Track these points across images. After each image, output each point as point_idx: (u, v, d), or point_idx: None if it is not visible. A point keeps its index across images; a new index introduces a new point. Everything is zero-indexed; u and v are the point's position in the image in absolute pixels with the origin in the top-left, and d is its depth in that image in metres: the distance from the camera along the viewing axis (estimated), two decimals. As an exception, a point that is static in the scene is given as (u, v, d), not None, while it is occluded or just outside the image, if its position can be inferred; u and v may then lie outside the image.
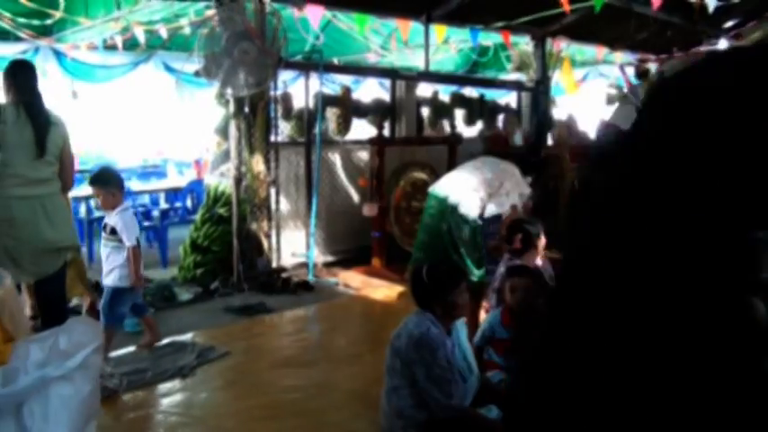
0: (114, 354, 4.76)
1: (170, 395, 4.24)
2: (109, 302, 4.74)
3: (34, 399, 2.23)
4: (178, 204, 9.52)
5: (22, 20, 8.45)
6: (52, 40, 9.56)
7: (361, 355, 4.89)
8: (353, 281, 7.01)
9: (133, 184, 8.85)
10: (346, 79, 11.18)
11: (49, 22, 8.80)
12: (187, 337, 5.28)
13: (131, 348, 4.99)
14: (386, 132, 8.07)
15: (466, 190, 5.00)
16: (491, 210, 5.04)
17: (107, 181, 4.78)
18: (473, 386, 3.39)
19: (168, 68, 10.96)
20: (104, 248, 4.78)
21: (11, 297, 2.71)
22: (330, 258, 7.74)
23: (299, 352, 5.12)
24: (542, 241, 4.65)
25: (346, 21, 8.90)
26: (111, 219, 4.70)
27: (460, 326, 3.46)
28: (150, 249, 8.47)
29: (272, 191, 7.08)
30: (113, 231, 4.68)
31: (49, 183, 4.30)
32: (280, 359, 4.96)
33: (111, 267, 4.71)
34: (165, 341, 5.13)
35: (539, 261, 4.66)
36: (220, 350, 4.96)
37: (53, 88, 12.90)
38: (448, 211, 4.98)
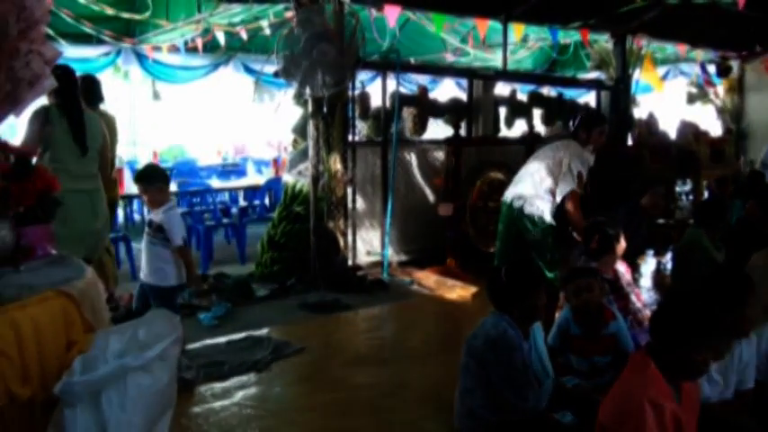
0: (191, 346, 4.87)
1: (245, 388, 4.31)
2: (157, 303, 4.42)
3: (112, 387, 2.30)
4: (256, 202, 9.67)
5: (104, 24, 8.72)
6: (134, 43, 9.85)
7: (435, 355, 4.88)
8: (428, 280, 7.00)
9: (213, 183, 9.03)
10: (423, 79, 11.18)
11: (132, 22, 9.08)
12: (263, 331, 5.35)
13: (208, 341, 5.10)
14: (462, 132, 8.03)
15: (531, 188, 4.99)
16: (563, 190, 4.99)
17: (152, 178, 4.53)
18: (548, 390, 3.34)
19: (247, 69, 11.17)
20: (147, 246, 4.48)
21: (92, 289, 2.80)
22: (405, 257, 7.75)
23: (372, 350, 5.14)
24: (622, 245, 4.53)
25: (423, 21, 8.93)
26: (158, 216, 4.45)
27: (537, 329, 3.41)
28: (229, 246, 8.64)
29: (349, 190, 7.12)
30: (159, 229, 4.42)
31: (94, 178, 4.83)
32: (353, 356, 4.99)
33: (156, 266, 4.43)
34: (242, 335, 5.23)
35: (619, 266, 4.53)
36: (295, 346, 5.02)
37: (135, 89, 13.29)
38: (515, 215, 4.98)
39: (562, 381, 3.57)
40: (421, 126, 7.95)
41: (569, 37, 10.49)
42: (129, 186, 8.02)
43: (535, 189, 4.98)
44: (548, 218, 4.94)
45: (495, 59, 11.07)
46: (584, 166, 4.99)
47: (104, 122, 4.99)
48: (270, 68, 8.65)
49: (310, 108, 6.81)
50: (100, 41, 9.40)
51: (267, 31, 8.71)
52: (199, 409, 3.97)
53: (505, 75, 9.05)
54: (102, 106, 5.87)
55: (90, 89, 5.52)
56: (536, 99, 9.92)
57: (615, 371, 3.24)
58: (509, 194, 5.12)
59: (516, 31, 8.86)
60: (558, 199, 5.00)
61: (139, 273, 4.62)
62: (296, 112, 7.51)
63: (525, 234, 4.94)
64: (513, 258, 4.83)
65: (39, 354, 2.39)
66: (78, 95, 4.83)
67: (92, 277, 2.88)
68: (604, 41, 10.29)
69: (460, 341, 3.30)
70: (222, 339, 5.18)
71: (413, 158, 7.94)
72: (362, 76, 8.43)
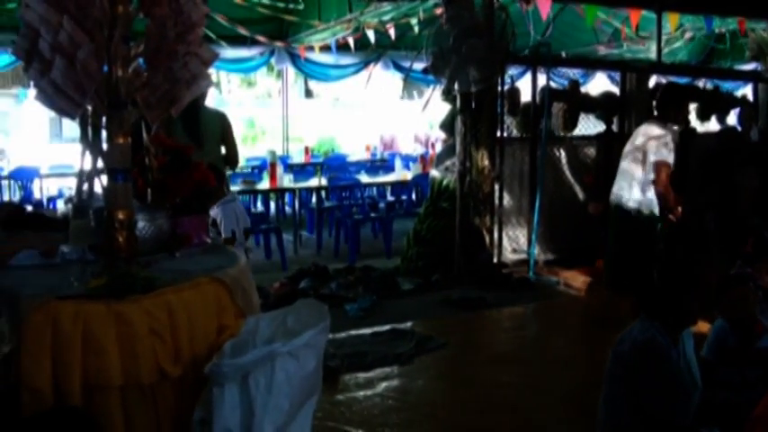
0: (337, 336, 4.97)
1: (387, 380, 4.37)
2: None
3: (260, 371, 2.38)
4: (403, 197, 9.77)
5: (258, 26, 9.09)
6: (287, 44, 10.18)
7: (579, 359, 4.76)
8: (575, 281, 6.82)
9: (362, 178, 9.19)
10: (574, 73, 10.90)
11: (285, 23, 9.40)
12: (407, 325, 5.40)
13: (353, 332, 5.20)
14: (615, 128, 7.77)
15: (628, 187, 4.83)
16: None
17: None
18: (696, 403, 3.16)
19: (397, 67, 11.29)
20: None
21: (244, 276, 2.91)
22: (552, 256, 7.58)
23: (514, 349, 5.07)
24: None
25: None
26: (213, 210, 4.69)
27: (687, 336, 3.22)
28: (375, 240, 8.78)
29: (496, 186, 7.04)
30: (214, 224, 4.56)
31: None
32: (495, 354, 4.95)
33: None
34: (386, 328, 5.30)
35: None
36: (438, 341, 5.03)
37: (289, 87, 13.76)
38: (618, 216, 4.86)
39: (711, 394, 3.37)
40: (571, 122, 7.74)
41: (725, 25, 9.89)
42: (282, 180, 8.30)
43: (630, 190, 4.88)
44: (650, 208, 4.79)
45: (648, 51, 10.61)
46: (667, 150, 4.79)
47: (221, 118, 5.65)
48: (419, 65, 8.72)
49: (459, 104, 6.80)
50: (254, 42, 9.79)
51: (416, 29, 8.77)
52: (342, 397, 4.07)
53: (660, 67, 8.65)
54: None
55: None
56: (691, 92, 9.40)
57: (766, 385, 3.04)
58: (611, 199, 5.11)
59: (671, 20, 8.46)
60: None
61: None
62: (444, 108, 7.52)
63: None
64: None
65: (190, 335, 2.51)
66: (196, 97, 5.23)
67: (244, 265, 3.00)
68: (762, 30, 9.62)
69: (607, 345, 3.19)
70: (367, 331, 5.27)
71: (562, 155, 7.76)
72: (512, 70, 8.32)
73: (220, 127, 5.61)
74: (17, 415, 2.27)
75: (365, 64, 11.15)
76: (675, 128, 4.98)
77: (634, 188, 4.94)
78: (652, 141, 4.82)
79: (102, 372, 2.33)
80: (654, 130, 4.91)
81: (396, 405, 4.01)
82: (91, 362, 2.33)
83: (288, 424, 2.43)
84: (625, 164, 5.09)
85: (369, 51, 10.66)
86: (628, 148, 5.18)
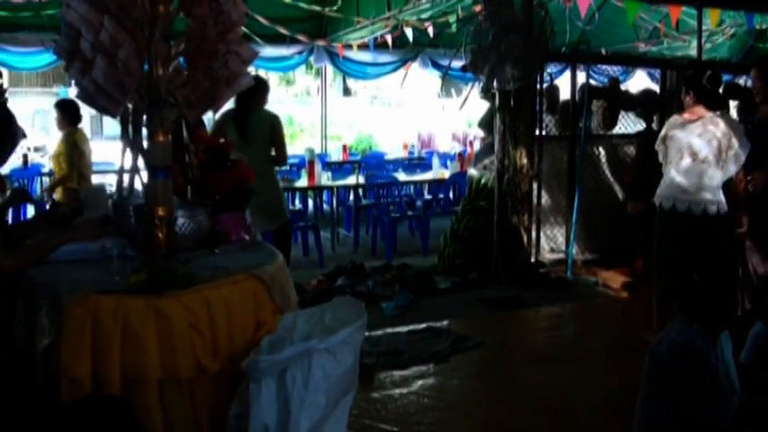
0: (373, 333, 4.98)
1: (423, 378, 4.37)
2: None
3: (297, 367, 2.40)
4: (441, 195, 9.75)
5: (297, 24, 9.17)
6: (326, 41, 10.23)
7: (617, 360, 4.70)
8: (614, 281, 6.74)
9: (399, 176, 9.20)
10: (614, 70, 10.78)
11: (323, 22, 9.46)
12: (443, 324, 5.39)
13: (389, 330, 5.21)
14: (655, 126, 7.66)
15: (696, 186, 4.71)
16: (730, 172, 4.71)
17: None
18: (734, 407, 3.11)
19: (435, 65, 11.28)
20: None
21: (282, 273, 2.93)
22: (590, 256, 7.51)
23: (552, 349, 5.04)
24: None
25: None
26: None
27: (725, 338, 3.16)
28: (412, 238, 8.79)
29: (535, 185, 7.00)
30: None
31: (258, 163, 5.27)
32: (532, 354, 4.92)
33: None
34: (422, 326, 5.30)
35: None
36: (475, 340, 5.02)
37: (327, 86, 13.83)
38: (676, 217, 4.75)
39: (748, 398, 3.31)
40: (611, 120, 7.65)
41: (767, 21, 9.71)
42: (320, 177, 8.35)
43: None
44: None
45: (689, 48, 10.46)
46: (743, 150, 4.67)
47: (271, 118, 5.82)
48: (457, 63, 8.70)
49: (497, 102, 6.77)
50: (293, 41, 9.86)
51: (455, 27, 8.75)
52: (378, 395, 4.07)
53: (700, 64, 8.52)
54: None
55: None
56: (732, 89, 9.24)
57: None
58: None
59: (711, 16, 8.33)
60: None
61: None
62: (483, 106, 7.49)
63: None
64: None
65: (229, 331, 2.54)
66: (248, 99, 5.61)
67: (282, 263, 3.02)
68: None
69: (644, 347, 3.15)
70: (403, 329, 5.27)
71: (601, 154, 7.67)
72: (551, 68, 8.25)
73: (270, 128, 5.78)
74: (57, 405, 2.31)
75: (403, 62, 11.16)
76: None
77: (705, 186, 4.73)
78: (729, 134, 4.65)
79: (140, 365, 2.37)
80: (723, 121, 4.73)
81: (431, 403, 4.01)
82: (130, 355, 2.37)
83: (324, 420, 2.45)
84: (688, 161, 4.84)
85: (407, 49, 10.67)
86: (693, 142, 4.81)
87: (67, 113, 6.53)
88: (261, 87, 5.89)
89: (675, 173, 4.76)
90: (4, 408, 2.60)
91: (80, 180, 6.46)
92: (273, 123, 5.83)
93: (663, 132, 4.91)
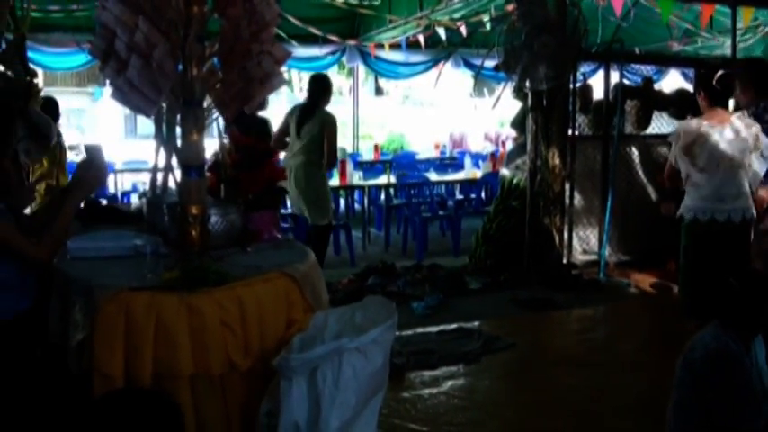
0: (403, 333, 4.98)
1: (453, 378, 4.36)
2: None
3: (328, 365, 2.41)
4: (472, 196, 9.72)
5: (329, 25, 9.20)
6: (358, 41, 10.25)
7: (649, 364, 4.63)
8: (646, 283, 6.67)
9: (431, 175, 9.19)
10: (648, 70, 10.66)
11: (355, 22, 9.48)
12: (474, 324, 5.37)
13: (419, 330, 5.21)
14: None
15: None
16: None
17: None
18: (767, 412, 3.05)
19: (467, 64, 11.24)
20: None
21: (314, 272, 2.94)
22: (623, 258, 7.43)
23: (583, 352, 5.00)
24: None
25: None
26: None
27: (759, 344, 3.10)
28: (443, 238, 8.77)
29: (567, 185, 6.95)
30: None
31: (303, 156, 6.01)
32: (562, 357, 4.88)
33: None
34: (453, 326, 5.28)
35: None
36: (505, 341, 5.00)
37: (359, 85, 13.86)
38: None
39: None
40: (645, 120, 7.57)
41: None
42: (351, 177, 8.37)
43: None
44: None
45: (723, 47, 10.31)
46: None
47: (323, 119, 5.99)
48: (490, 62, 8.66)
49: (530, 102, 6.73)
50: (326, 41, 9.90)
51: (488, 26, 8.72)
52: (407, 395, 4.08)
53: (734, 63, 8.40)
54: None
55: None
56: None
57: None
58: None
59: (744, 15, 8.20)
60: None
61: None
62: (515, 106, 7.46)
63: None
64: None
65: (260, 329, 2.56)
66: (316, 97, 6.04)
67: (313, 261, 3.04)
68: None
69: (677, 351, 3.12)
70: (433, 329, 5.27)
71: (634, 154, 7.60)
72: (584, 67, 8.18)
73: (321, 128, 5.95)
74: (90, 399, 2.35)
75: (435, 62, 11.14)
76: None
77: (743, 192, 4.62)
78: (756, 135, 4.55)
79: (172, 361, 2.40)
80: (746, 122, 4.61)
81: (461, 404, 4.00)
82: (162, 351, 2.40)
83: (354, 419, 2.46)
84: (724, 168, 4.70)
85: (439, 49, 10.65)
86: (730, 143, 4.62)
87: (47, 112, 6.60)
88: (329, 87, 6.19)
89: (711, 182, 4.55)
90: (38, 402, 2.65)
91: (60, 175, 6.50)
92: (325, 124, 5.95)
93: (684, 141, 4.58)
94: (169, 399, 2.29)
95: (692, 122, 4.67)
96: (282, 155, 6.12)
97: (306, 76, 24.85)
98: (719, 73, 4.76)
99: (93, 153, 3.08)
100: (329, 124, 5.93)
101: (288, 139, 6.16)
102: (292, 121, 6.07)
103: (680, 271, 4.88)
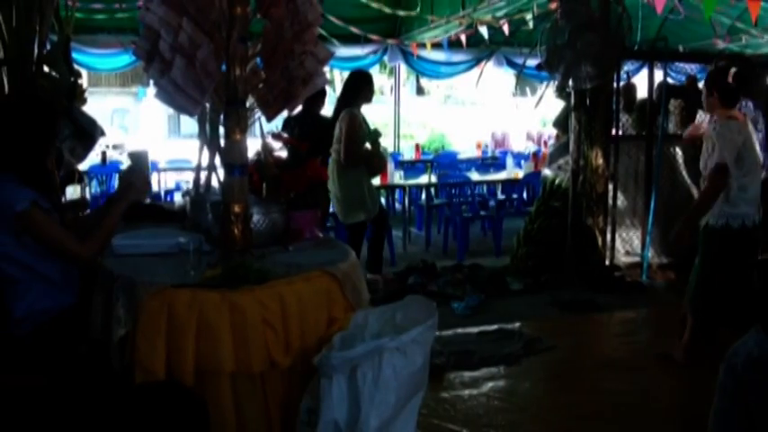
0: (443, 333, 4.96)
1: (493, 380, 4.34)
2: None
3: (368, 364, 2.41)
4: (514, 196, 9.67)
5: (370, 24, 9.22)
6: (400, 41, 10.25)
7: (691, 368, 4.53)
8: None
9: (472, 175, 9.15)
10: (691, 68, 10.49)
11: (397, 22, 9.49)
12: (515, 325, 5.34)
13: (459, 330, 5.19)
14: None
15: None
16: None
17: None
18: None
19: (509, 63, 11.17)
20: None
21: (354, 271, 2.95)
22: (666, 260, 7.32)
23: (625, 355, 4.93)
24: None
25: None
26: None
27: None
28: (485, 238, 8.73)
29: (610, 186, 6.88)
30: None
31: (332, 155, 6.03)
32: (604, 360, 4.82)
33: None
34: (494, 327, 5.26)
35: None
36: (546, 342, 4.96)
37: (401, 85, 13.87)
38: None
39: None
40: (688, 119, 7.46)
41: None
42: (392, 176, 8.37)
43: None
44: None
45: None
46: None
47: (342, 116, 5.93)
48: (532, 61, 8.60)
49: (573, 101, 6.67)
50: (367, 40, 9.92)
51: (530, 24, 8.66)
52: (447, 395, 4.07)
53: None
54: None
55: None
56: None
57: None
58: None
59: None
60: None
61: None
62: (558, 106, 7.40)
63: None
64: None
65: (301, 327, 2.57)
66: (347, 96, 6.05)
67: (354, 260, 3.05)
68: None
69: (721, 356, 3.06)
70: (474, 329, 5.25)
71: (678, 154, 7.48)
72: (627, 66, 8.09)
73: (339, 126, 5.92)
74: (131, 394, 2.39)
75: (477, 61, 11.10)
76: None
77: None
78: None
79: (214, 358, 2.42)
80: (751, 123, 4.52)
81: (501, 406, 3.98)
82: (204, 348, 2.42)
83: (393, 418, 2.46)
84: (761, 171, 4.59)
85: (481, 48, 10.61)
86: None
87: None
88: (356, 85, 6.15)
89: (755, 187, 4.42)
90: (83, 398, 2.70)
91: None
92: (341, 121, 5.89)
93: (737, 142, 4.30)
94: (193, 393, 2.32)
95: (732, 123, 4.40)
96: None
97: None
98: (733, 70, 4.65)
99: (137, 160, 3.13)
100: (342, 120, 5.85)
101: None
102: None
103: (698, 279, 4.63)
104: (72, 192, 4.02)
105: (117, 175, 3.40)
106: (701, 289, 4.57)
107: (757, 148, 4.45)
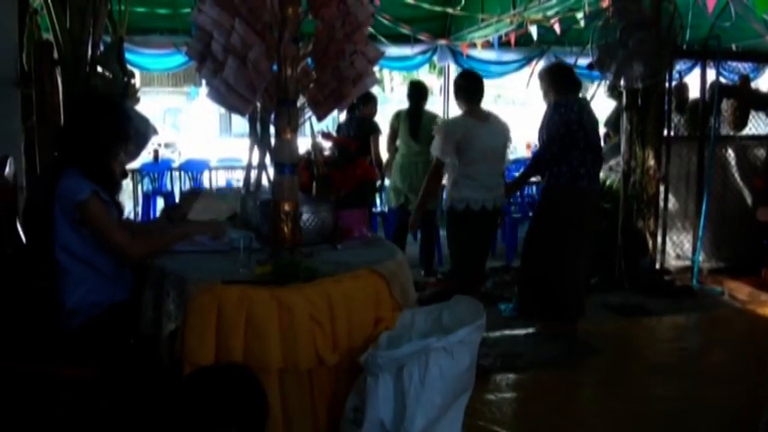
0: (490, 334, 4.95)
1: (540, 383, 4.32)
2: None
3: (414, 364, 2.42)
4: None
5: (420, 24, 9.23)
6: (449, 40, 10.22)
7: (742, 375, 4.47)
8: (740, 292, 6.42)
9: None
10: (744, 68, 10.26)
11: (447, 21, 9.46)
12: (563, 328, 5.29)
13: (506, 332, 5.16)
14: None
15: None
16: None
17: None
18: None
19: (561, 63, 11.02)
20: None
21: (402, 270, 2.96)
22: (717, 264, 7.18)
23: (674, 361, 4.84)
24: None
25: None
26: None
27: None
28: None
29: (662, 188, 6.77)
30: None
31: (419, 154, 6.48)
32: (653, 365, 4.74)
33: None
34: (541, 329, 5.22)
35: None
36: (594, 346, 4.91)
37: (450, 85, 13.83)
38: None
39: None
40: (741, 120, 7.30)
41: None
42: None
43: None
44: None
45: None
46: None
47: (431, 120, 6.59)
48: (583, 61, 8.51)
49: (624, 100, 6.59)
50: (417, 40, 9.91)
51: (581, 23, 8.56)
52: (493, 397, 4.05)
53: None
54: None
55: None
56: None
57: None
58: None
59: None
60: None
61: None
62: (609, 105, 7.31)
63: None
64: None
65: (348, 325, 2.59)
66: (420, 100, 6.71)
67: (402, 260, 3.06)
68: None
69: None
70: (521, 332, 5.21)
71: (731, 156, 7.33)
72: (679, 65, 7.95)
73: (431, 127, 6.16)
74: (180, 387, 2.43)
75: (528, 60, 11.00)
76: None
77: None
78: None
79: (262, 354, 2.45)
80: None
81: (547, 409, 3.94)
82: (252, 344, 2.45)
83: (439, 419, 2.46)
84: None
85: (532, 47, 10.52)
86: None
87: None
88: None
89: None
90: (133, 390, 2.75)
91: None
92: (432, 123, 6.34)
93: None
94: (253, 374, 2.34)
95: None
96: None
97: (397, 76, 24.87)
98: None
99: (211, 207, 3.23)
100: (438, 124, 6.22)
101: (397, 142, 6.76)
102: (401, 124, 6.65)
103: None
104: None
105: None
106: None
107: None
